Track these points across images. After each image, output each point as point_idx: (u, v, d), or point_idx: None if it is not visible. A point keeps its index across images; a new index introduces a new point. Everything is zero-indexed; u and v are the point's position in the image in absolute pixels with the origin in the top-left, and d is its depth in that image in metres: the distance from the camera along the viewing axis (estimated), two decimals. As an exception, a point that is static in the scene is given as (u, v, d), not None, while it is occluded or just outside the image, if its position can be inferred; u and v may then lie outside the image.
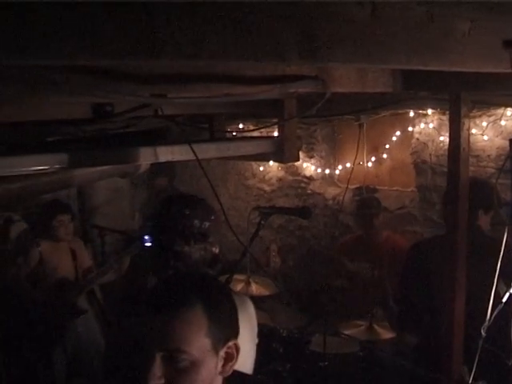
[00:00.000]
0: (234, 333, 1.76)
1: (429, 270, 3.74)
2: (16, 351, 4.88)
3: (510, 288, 1.98)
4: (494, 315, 2.04)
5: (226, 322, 1.73)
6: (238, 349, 1.74)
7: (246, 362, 2.59)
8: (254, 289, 4.78)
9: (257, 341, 2.63)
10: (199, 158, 2.91)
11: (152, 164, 5.56)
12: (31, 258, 5.22)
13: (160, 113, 2.86)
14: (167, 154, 3.18)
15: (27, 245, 5.28)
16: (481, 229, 3.88)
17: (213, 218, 2.53)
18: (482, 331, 2.08)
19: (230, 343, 1.72)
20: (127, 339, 1.66)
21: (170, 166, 7.00)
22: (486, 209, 3.81)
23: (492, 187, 3.90)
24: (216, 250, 2.57)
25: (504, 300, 2.00)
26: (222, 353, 1.71)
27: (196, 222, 2.46)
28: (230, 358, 1.73)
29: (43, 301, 5.05)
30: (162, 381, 1.61)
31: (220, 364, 1.71)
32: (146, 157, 3.17)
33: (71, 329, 5.21)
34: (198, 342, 1.65)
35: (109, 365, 2.35)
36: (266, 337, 4.09)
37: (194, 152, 2.86)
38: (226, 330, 1.72)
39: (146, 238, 2.60)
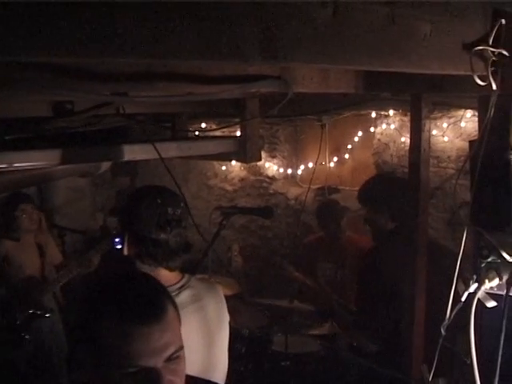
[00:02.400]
0: None
1: (387, 272, 3.77)
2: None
3: (468, 287, 2.00)
4: (453, 314, 2.06)
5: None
6: None
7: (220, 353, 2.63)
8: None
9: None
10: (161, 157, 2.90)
11: (114, 163, 5.52)
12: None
13: (122, 111, 2.84)
14: (129, 152, 3.16)
15: None
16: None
17: (182, 204, 2.59)
18: (442, 330, 2.09)
19: None
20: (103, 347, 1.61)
21: (131, 165, 6.95)
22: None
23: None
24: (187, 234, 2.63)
25: (463, 299, 2.01)
26: None
27: (169, 209, 2.51)
28: None
29: (7, 300, 4.97)
30: None
31: None
32: (108, 156, 3.14)
33: (35, 329, 5.12)
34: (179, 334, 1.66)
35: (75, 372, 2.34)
36: (227, 337, 4.09)
37: (156, 151, 2.85)
38: None
39: (117, 240, 2.62)
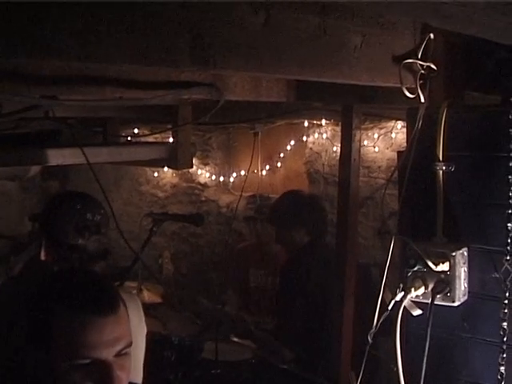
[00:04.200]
0: None
1: (307, 284, 3.83)
2: None
3: (395, 296, 2.03)
4: (380, 322, 2.08)
5: None
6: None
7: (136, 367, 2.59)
8: (146, 296, 4.74)
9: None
10: (91, 161, 2.86)
11: (43, 167, 5.42)
12: None
13: (51, 115, 2.78)
14: (58, 157, 3.10)
15: None
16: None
17: (102, 211, 2.58)
18: (369, 337, 2.12)
19: None
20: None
21: (62, 169, 6.83)
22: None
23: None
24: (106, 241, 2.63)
25: (390, 307, 2.04)
26: None
27: (88, 215, 2.50)
28: None
29: None
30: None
31: None
32: (36, 159, 3.08)
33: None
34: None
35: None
36: (157, 344, 4.04)
37: (85, 155, 2.80)
38: None
39: None
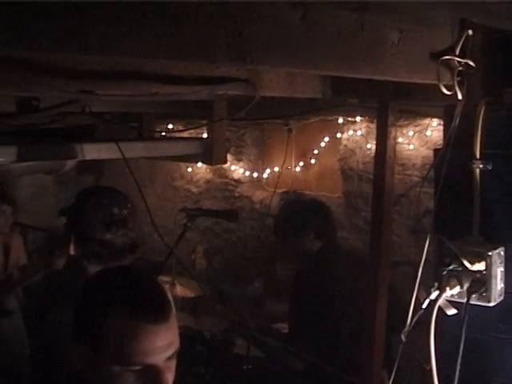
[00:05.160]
0: None
1: (323, 286, 3.79)
2: None
3: (429, 295, 2.02)
4: (413, 321, 2.07)
5: None
6: None
7: None
8: (179, 290, 4.76)
9: None
10: (126, 156, 2.88)
11: (79, 161, 5.46)
12: None
13: (88, 109, 2.81)
14: (94, 151, 3.13)
15: None
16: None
17: (129, 205, 2.59)
18: (403, 336, 2.10)
19: None
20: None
21: (97, 164, 6.89)
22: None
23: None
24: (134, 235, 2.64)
25: (424, 306, 2.03)
26: None
27: (115, 209, 2.51)
28: None
29: None
30: None
31: None
32: (72, 154, 3.11)
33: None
34: None
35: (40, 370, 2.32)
36: (189, 339, 4.07)
37: (120, 150, 2.83)
38: None
39: None
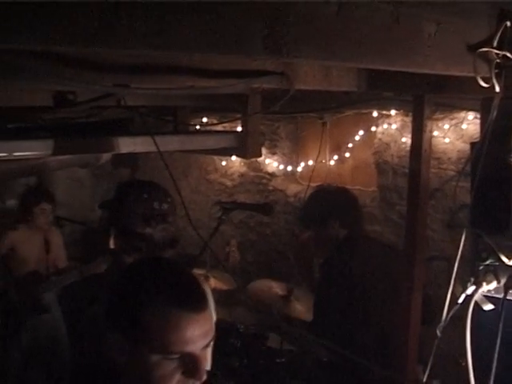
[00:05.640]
0: None
1: (349, 275, 3.76)
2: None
3: (466, 289, 2.00)
4: (449, 316, 2.05)
5: None
6: None
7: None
8: (213, 283, 4.78)
9: None
10: (162, 150, 2.89)
11: (114, 155, 5.50)
12: (6, 241, 5.12)
13: (123, 103, 2.83)
14: (129, 145, 3.15)
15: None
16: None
17: (169, 200, 2.60)
18: (438, 331, 2.09)
19: None
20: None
21: (132, 157, 6.94)
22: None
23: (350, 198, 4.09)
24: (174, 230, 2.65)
25: (460, 301, 2.01)
26: None
27: (155, 204, 2.52)
28: None
29: (5, 290, 4.96)
30: None
31: None
32: (108, 147, 3.13)
33: (30, 324, 5.11)
34: None
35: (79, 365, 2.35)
36: (223, 332, 4.08)
37: (155, 144, 2.84)
38: None
39: None
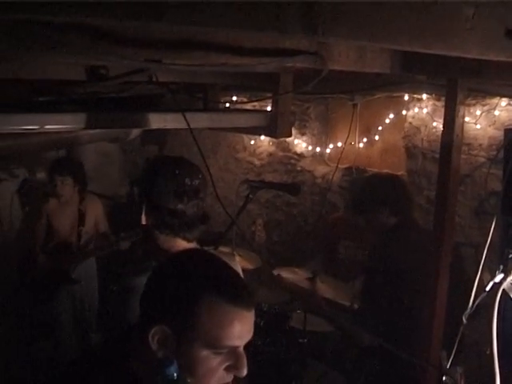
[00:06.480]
0: None
1: (396, 263, 3.75)
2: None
3: (494, 277, 1.98)
4: (476, 303, 2.04)
5: None
6: None
7: None
8: (238, 262, 4.78)
9: None
10: (191, 127, 2.89)
11: (144, 131, 5.53)
12: (41, 213, 5.21)
13: (154, 79, 2.83)
14: (160, 121, 3.16)
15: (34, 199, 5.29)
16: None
17: (201, 176, 2.59)
18: (464, 318, 2.08)
19: None
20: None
21: (161, 133, 6.97)
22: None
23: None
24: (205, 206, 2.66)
25: (487, 289, 1.99)
26: None
27: (187, 180, 2.52)
28: None
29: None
30: None
31: None
32: (139, 123, 3.14)
33: (63, 294, 5.21)
34: None
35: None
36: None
37: (186, 121, 2.84)
38: None
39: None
